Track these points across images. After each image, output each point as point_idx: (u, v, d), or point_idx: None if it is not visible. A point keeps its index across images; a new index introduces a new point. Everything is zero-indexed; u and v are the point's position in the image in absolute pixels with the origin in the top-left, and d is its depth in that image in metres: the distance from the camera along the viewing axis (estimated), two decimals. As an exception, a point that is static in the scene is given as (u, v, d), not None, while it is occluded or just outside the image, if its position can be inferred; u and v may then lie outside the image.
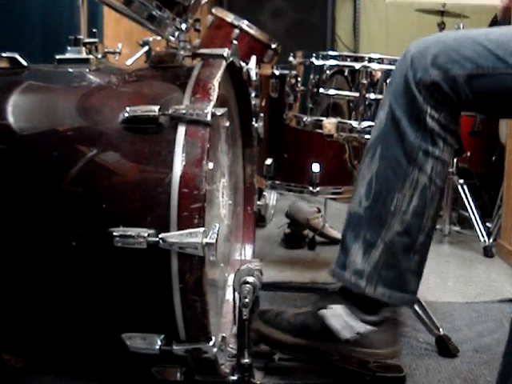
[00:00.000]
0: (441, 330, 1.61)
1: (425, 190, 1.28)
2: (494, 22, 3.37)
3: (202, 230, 1.06)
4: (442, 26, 3.42)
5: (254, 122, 1.61)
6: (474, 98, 1.23)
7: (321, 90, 1.70)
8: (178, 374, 1.17)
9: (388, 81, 1.61)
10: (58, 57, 1.33)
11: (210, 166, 1.20)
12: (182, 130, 1.10)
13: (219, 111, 1.12)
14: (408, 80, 1.25)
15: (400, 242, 1.29)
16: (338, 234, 2.64)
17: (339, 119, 1.67)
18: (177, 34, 1.46)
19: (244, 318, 1.17)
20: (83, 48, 1.37)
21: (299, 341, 1.38)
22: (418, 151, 1.27)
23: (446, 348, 1.58)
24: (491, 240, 2.64)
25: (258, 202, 1.69)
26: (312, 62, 1.72)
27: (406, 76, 1.26)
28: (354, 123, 1.65)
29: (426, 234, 1.31)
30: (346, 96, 1.68)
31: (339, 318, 1.33)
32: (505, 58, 1.19)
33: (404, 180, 1.28)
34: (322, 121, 1.68)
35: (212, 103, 1.12)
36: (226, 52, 1.25)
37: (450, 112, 1.26)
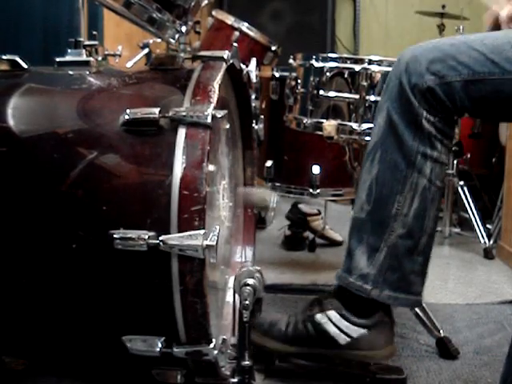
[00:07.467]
0: (441, 331, 1.60)
1: (425, 192, 1.28)
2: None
3: (202, 232, 1.06)
4: (441, 28, 3.42)
5: (254, 124, 1.61)
6: (470, 104, 1.23)
7: (321, 92, 1.70)
8: (179, 377, 1.17)
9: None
10: (58, 59, 1.33)
11: (211, 168, 1.20)
12: (182, 132, 1.10)
13: (219, 113, 1.12)
14: (403, 85, 1.25)
15: (403, 245, 1.29)
16: (338, 236, 2.64)
17: (339, 121, 1.67)
18: (177, 36, 1.47)
19: (244, 320, 1.17)
20: (83, 50, 1.37)
21: (297, 349, 1.37)
22: (417, 154, 1.27)
23: (446, 350, 1.58)
24: (491, 242, 2.64)
25: (259, 204, 1.69)
26: (312, 64, 1.72)
27: (400, 81, 1.26)
28: (354, 125, 1.65)
29: (429, 235, 1.32)
30: (346, 98, 1.68)
31: (333, 323, 1.33)
32: (500, 63, 1.19)
33: (404, 183, 1.28)
34: (322, 123, 1.68)
35: (212, 105, 1.12)
36: (226, 54, 1.25)
37: (444, 117, 1.26)
